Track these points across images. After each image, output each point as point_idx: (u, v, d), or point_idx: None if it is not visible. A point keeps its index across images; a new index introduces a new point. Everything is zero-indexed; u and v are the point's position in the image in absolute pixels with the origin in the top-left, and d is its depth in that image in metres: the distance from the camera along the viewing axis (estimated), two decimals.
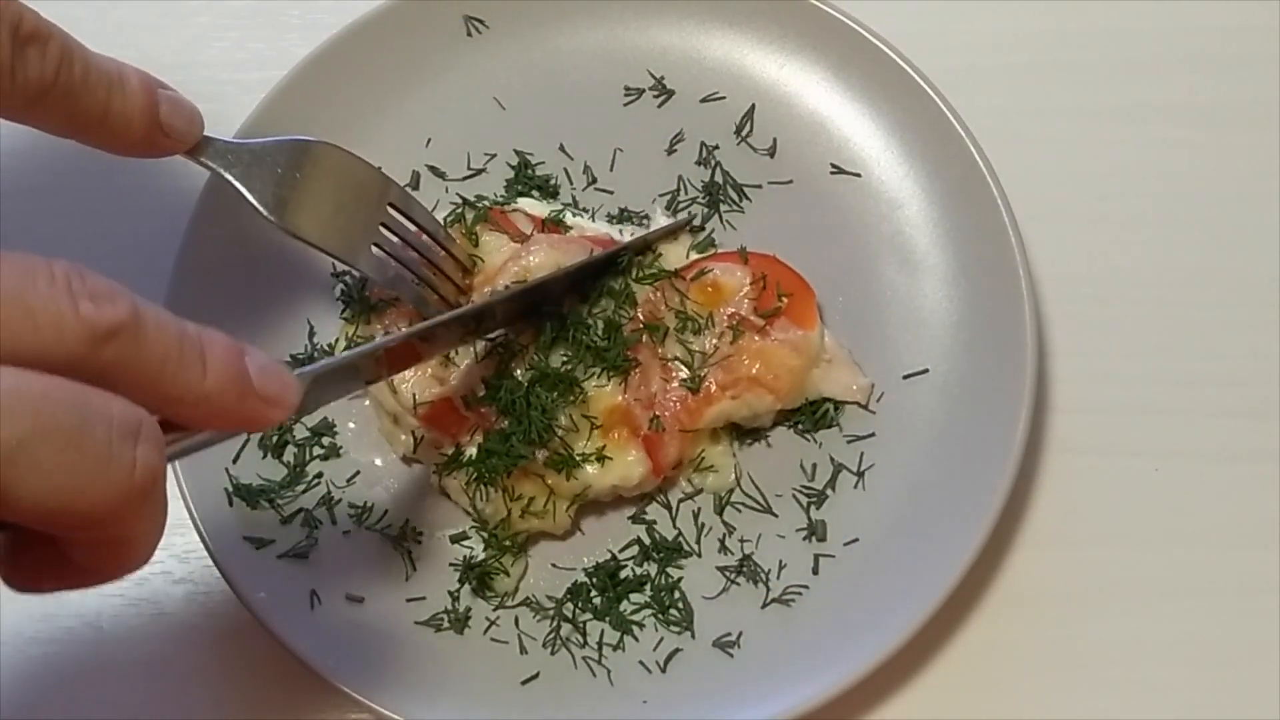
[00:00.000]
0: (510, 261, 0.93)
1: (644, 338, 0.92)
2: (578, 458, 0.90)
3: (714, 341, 0.92)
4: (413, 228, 0.92)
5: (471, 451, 0.90)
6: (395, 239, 0.91)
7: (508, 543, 0.91)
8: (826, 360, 0.94)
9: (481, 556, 0.91)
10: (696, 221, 0.99)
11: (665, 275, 0.94)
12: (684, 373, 0.92)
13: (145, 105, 0.82)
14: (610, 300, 0.93)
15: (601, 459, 0.90)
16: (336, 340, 0.96)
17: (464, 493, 0.91)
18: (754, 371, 0.92)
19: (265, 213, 0.87)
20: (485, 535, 0.92)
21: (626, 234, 0.97)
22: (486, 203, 0.99)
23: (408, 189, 0.98)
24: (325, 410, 0.95)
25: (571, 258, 0.93)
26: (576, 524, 0.93)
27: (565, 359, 0.92)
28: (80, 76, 0.79)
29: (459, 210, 0.98)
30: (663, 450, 0.91)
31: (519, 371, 0.92)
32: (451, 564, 0.92)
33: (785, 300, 0.93)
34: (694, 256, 0.97)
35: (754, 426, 0.94)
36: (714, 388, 0.92)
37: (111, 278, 1.02)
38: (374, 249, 0.90)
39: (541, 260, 0.93)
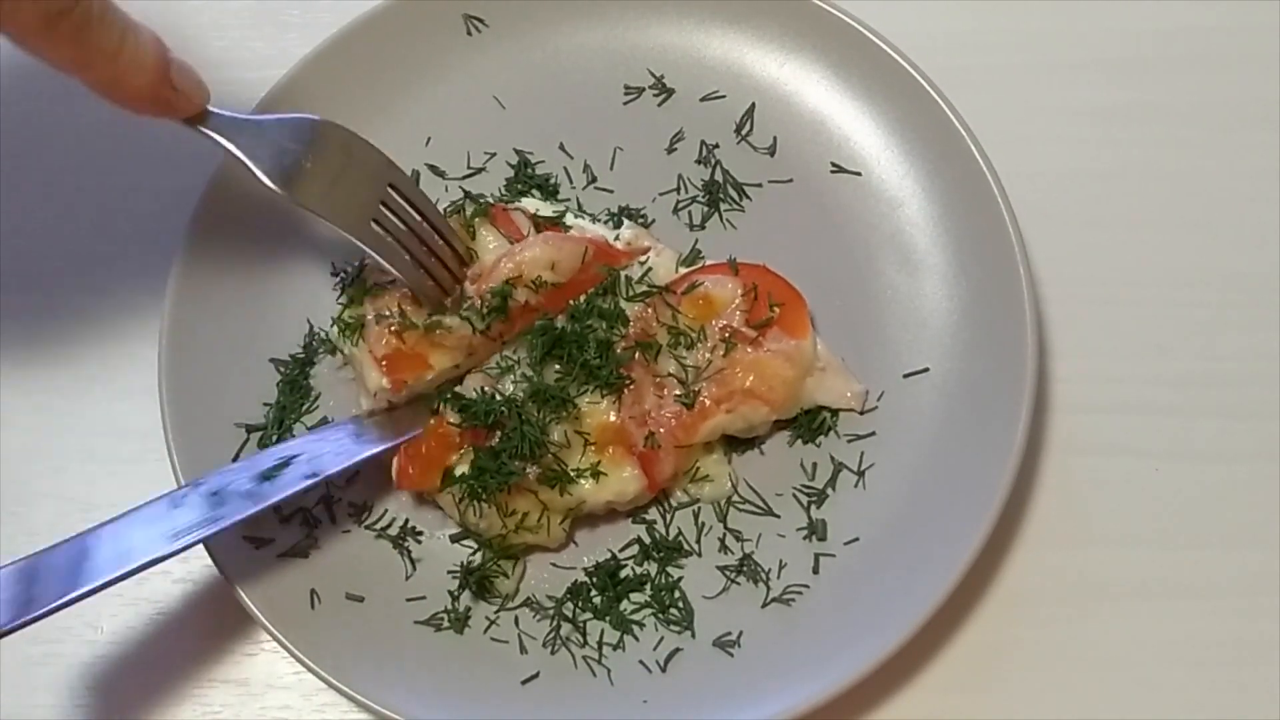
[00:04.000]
0: (505, 258, 0.93)
1: (636, 355, 0.92)
2: (572, 473, 0.90)
3: (707, 355, 0.92)
4: (414, 212, 0.92)
5: (463, 469, 0.90)
6: (395, 218, 0.91)
7: (510, 552, 0.91)
8: (820, 368, 0.93)
9: (479, 561, 0.91)
10: (696, 221, 1.00)
11: (655, 291, 0.94)
12: (678, 389, 0.92)
13: (157, 55, 0.83)
14: (602, 319, 0.93)
15: (596, 475, 0.90)
16: (333, 326, 0.95)
17: (455, 507, 0.91)
18: (748, 384, 0.91)
19: (268, 182, 0.87)
20: (479, 540, 0.92)
21: (623, 239, 0.97)
22: (489, 199, 0.98)
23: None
24: (325, 409, 0.95)
25: (566, 255, 0.93)
26: (571, 536, 0.93)
27: (559, 375, 0.92)
28: (98, 12, 0.79)
29: (459, 203, 0.98)
30: (658, 466, 0.91)
31: (511, 387, 0.92)
32: (450, 571, 0.91)
33: (777, 310, 0.93)
34: (682, 270, 0.96)
35: (750, 437, 0.94)
36: (708, 402, 0.91)
37: (110, 276, 1.03)
38: (374, 225, 0.90)
39: (536, 255, 0.93)
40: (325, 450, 0.90)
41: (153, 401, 0.92)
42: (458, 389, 0.92)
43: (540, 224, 0.96)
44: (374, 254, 0.91)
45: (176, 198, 1.01)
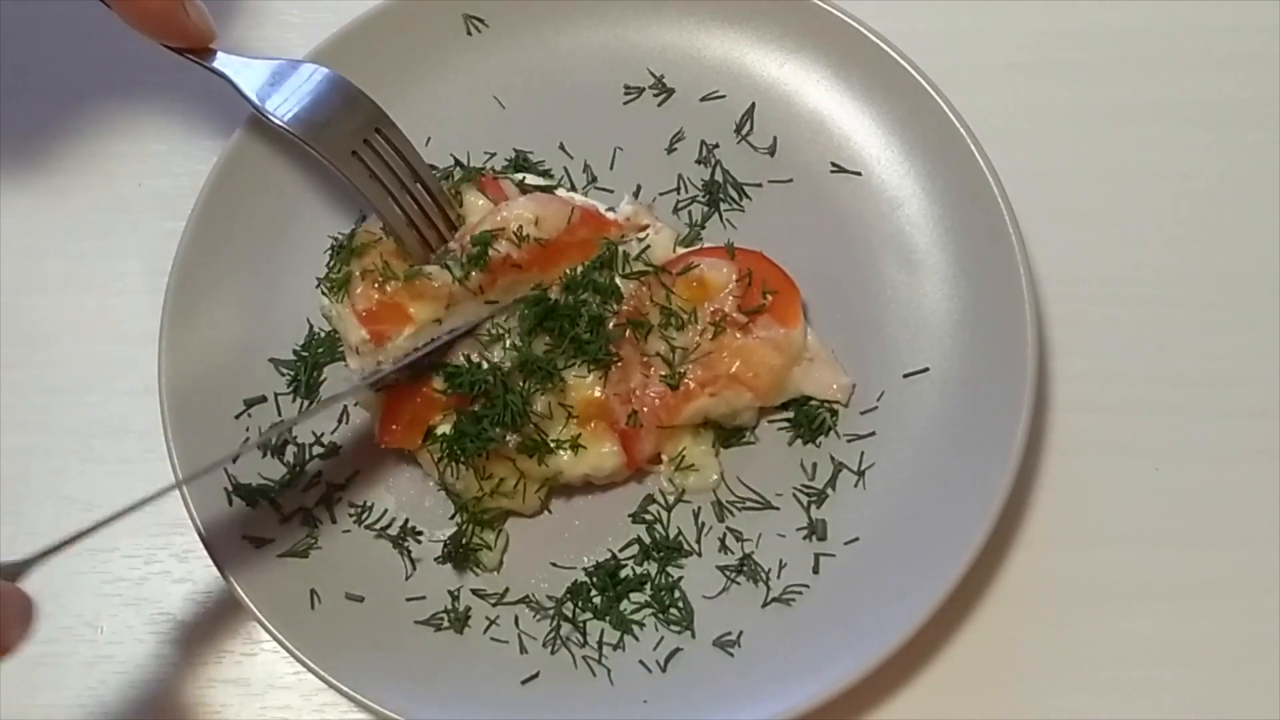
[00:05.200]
0: (490, 214, 0.94)
1: (627, 333, 0.92)
2: (552, 444, 0.90)
3: (696, 338, 0.92)
4: (401, 161, 0.94)
5: (445, 429, 0.90)
6: (378, 157, 0.93)
7: (484, 516, 0.91)
8: (808, 359, 0.94)
9: (457, 532, 0.91)
10: (696, 220, 1.00)
11: (652, 270, 0.94)
12: (664, 369, 0.92)
13: None
14: (596, 294, 0.93)
15: (575, 447, 0.90)
16: (318, 286, 0.95)
17: (434, 466, 0.91)
18: (734, 369, 0.92)
19: (258, 103, 0.92)
20: (456, 500, 0.92)
21: (621, 214, 0.97)
22: (477, 167, 0.99)
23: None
24: (327, 409, 0.96)
25: (552, 213, 0.93)
26: (546, 504, 0.93)
27: (548, 347, 0.92)
28: None
29: (449, 169, 0.98)
30: (638, 445, 0.91)
31: (499, 355, 0.92)
32: (437, 558, 0.91)
33: (770, 298, 0.93)
34: (680, 250, 0.96)
35: (736, 425, 0.94)
36: (693, 384, 0.92)
37: (109, 275, 1.03)
38: (354, 156, 0.92)
39: (520, 211, 0.93)
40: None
41: (153, 401, 0.92)
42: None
43: (528, 190, 0.96)
44: (353, 183, 0.92)
45: (176, 198, 1.01)
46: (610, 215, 0.96)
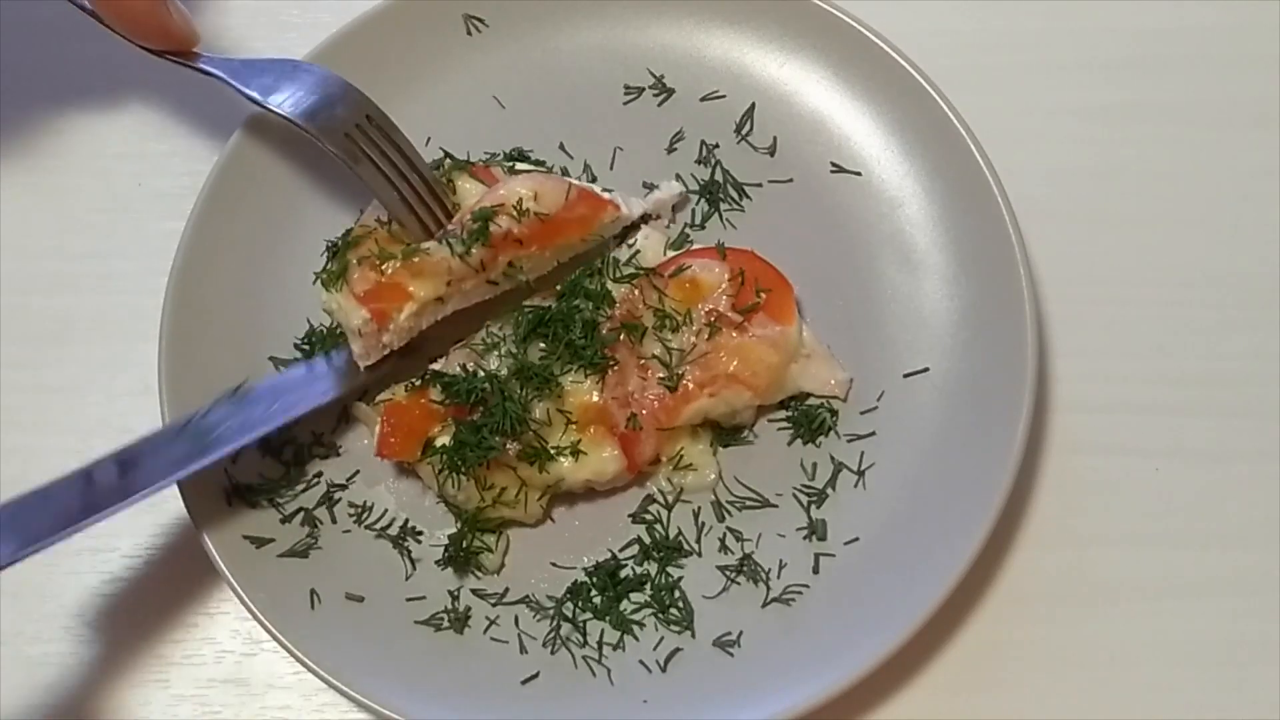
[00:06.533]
0: (489, 192, 0.94)
1: (621, 336, 0.92)
2: (552, 451, 0.90)
3: (691, 339, 0.92)
4: (392, 146, 0.95)
5: (444, 440, 0.90)
6: (373, 145, 0.94)
7: (486, 525, 0.91)
8: (805, 355, 0.94)
9: (461, 534, 0.91)
10: (696, 220, 1.00)
11: (642, 273, 0.94)
12: (661, 371, 0.92)
13: None
14: (588, 300, 0.93)
15: (576, 453, 0.90)
16: (315, 282, 0.95)
17: (434, 478, 0.91)
18: (732, 368, 0.92)
19: (247, 90, 0.93)
20: (457, 511, 0.92)
21: (619, 197, 0.97)
22: (469, 158, 0.99)
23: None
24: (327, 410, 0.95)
25: (549, 189, 0.93)
26: (548, 513, 0.93)
27: (543, 353, 0.92)
28: None
29: (441, 160, 0.99)
30: (639, 448, 0.91)
31: (495, 363, 0.92)
32: (437, 562, 0.91)
33: (763, 296, 0.93)
34: (671, 254, 0.97)
35: (734, 424, 0.94)
36: (692, 386, 0.92)
37: (109, 277, 1.03)
38: (347, 138, 0.93)
39: (516, 188, 0.93)
40: (311, 389, 0.93)
41: (153, 401, 0.92)
42: (440, 367, 0.92)
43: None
44: (352, 168, 0.92)
45: (176, 198, 1.01)
46: (607, 196, 0.96)
